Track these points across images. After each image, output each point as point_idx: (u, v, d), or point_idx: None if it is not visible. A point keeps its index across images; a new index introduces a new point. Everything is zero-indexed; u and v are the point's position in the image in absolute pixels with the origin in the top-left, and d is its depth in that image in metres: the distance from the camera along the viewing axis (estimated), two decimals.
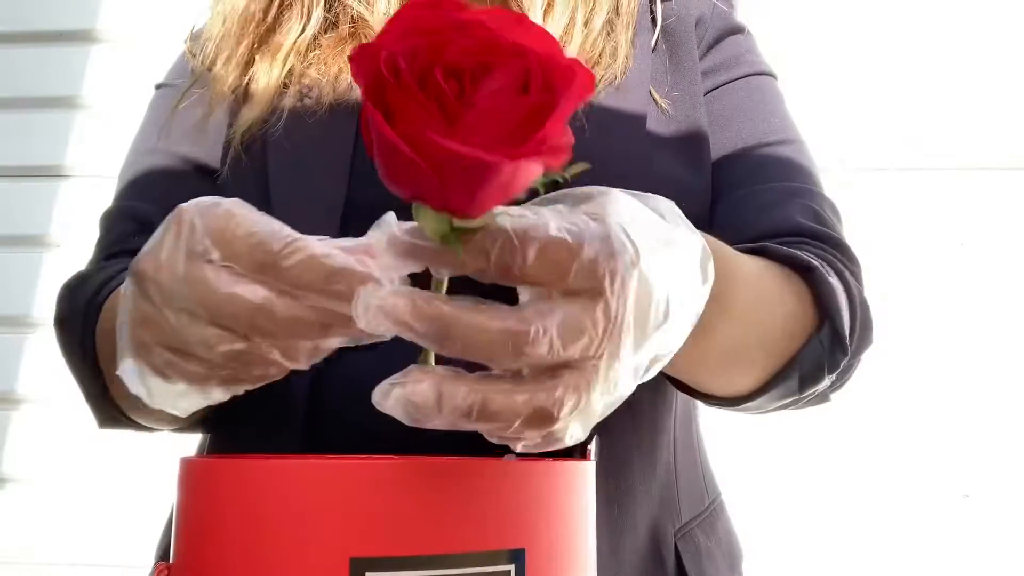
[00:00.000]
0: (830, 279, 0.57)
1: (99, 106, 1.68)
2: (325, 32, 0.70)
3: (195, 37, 0.76)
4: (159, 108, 0.76)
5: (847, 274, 0.61)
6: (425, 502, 0.36)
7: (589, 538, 0.42)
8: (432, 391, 0.34)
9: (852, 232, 0.72)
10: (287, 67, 0.69)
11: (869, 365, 0.64)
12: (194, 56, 0.74)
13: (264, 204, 0.61)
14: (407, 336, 0.34)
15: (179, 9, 1.68)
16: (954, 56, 1.57)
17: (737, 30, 0.75)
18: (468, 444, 0.42)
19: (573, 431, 0.36)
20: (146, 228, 0.67)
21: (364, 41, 0.69)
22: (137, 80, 1.68)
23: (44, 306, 1.66)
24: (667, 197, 0.52)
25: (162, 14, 1.67)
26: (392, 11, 0.70)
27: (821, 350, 0.56)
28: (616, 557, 0.62)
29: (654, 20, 0.72)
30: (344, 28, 0.70)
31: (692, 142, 0.69)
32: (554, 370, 0.35)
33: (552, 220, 0.35)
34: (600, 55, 0.68)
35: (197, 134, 0.71)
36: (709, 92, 0.72)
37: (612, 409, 0.38)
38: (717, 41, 0.74)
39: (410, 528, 0.36)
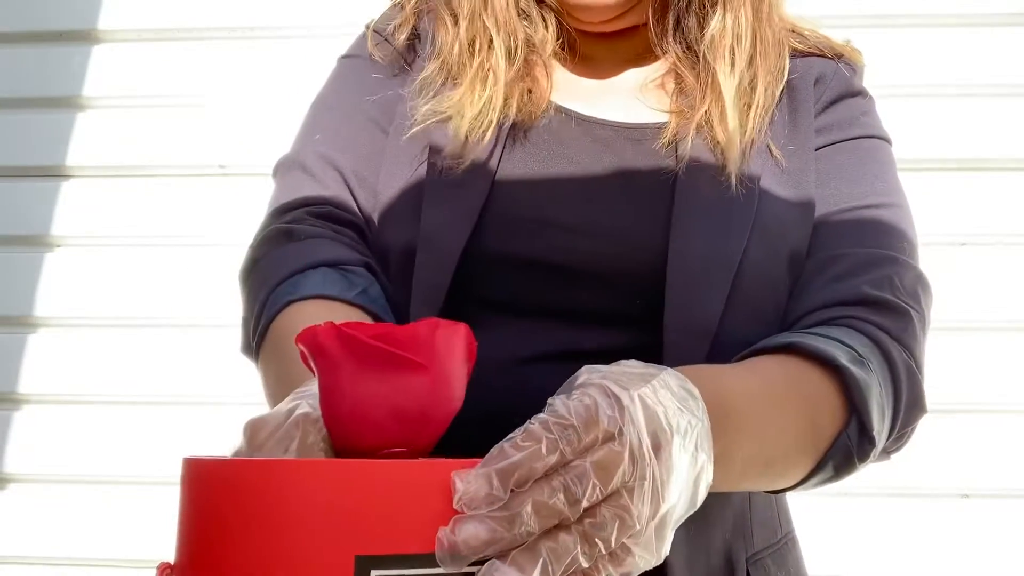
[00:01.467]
0: (859, 373, 0.59)
1: (99, 106, 1.68)
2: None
3: (372, 26, 0.80)
4: (348, 73, 0.79)
5: (893, 350, 0.63)
6: (429, 501, 0.37)
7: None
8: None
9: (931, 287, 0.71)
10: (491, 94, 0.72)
11: None
12: (372, 40, 0.78)
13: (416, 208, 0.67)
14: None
15: (179, 9, 1.68)
16: (954, 56, 1.57)
17: (856, 92, 0.77)
18: (475, 447, 0.45)
19: (640, 558, 0.39)
20: (339, 183, 0.73)
21: (536, 70, 0.75)
22: (137, 80, 1.68)
23: (45, 306, 1.66)
24: (774, 240, 0.68)
25: (162, 14, 1.67)
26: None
27: (849, 444, 0.60)
28: (691, 572, 0.65)
29: (782, 78, 0.74)
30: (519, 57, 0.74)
31: (801, 198, 0.71)
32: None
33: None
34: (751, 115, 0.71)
35: (384, 102, 0.75)
36: (819, 149, 0.73)
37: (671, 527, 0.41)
38: (834, 101, 0.75)
39: (414, 526, 0.37)
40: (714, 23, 0.71)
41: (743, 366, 0.60)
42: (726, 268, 0.65)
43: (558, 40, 0.76)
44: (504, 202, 0.69)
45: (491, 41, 0.73)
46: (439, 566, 0.36)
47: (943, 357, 1.52)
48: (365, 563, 0.36)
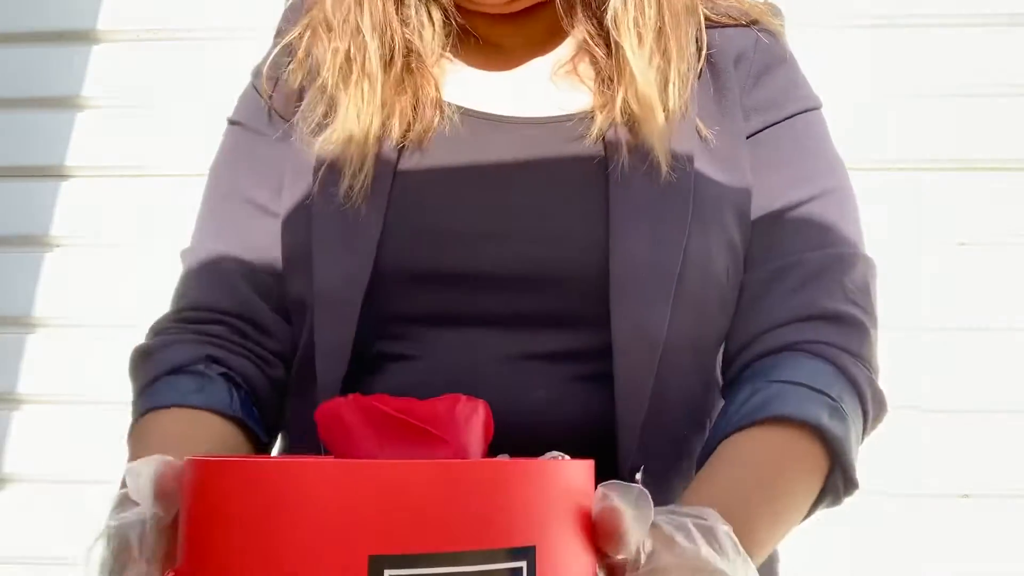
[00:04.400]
0: (839, 429, 0.62)
1: (99, 106, 1.68)
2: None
3: (260, 74, 0.76)
4: (234, 150, 0.77)
5: (859, 376, 0.66)
6: (443, 501, 0.37)
7: (590, 537, 0.43)
8: None
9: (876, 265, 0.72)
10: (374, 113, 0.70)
11: None
12: (264, 93, 0.75)
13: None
14: None
15: (179, 9, 1.68)
16: (954, 56, 1.57)
17: (781, 61, 0.74)
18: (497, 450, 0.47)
19: None
20: (224, 284, 0.73)
21: (418, 78, 0.71)
22: (137, 80, 1.68)
23: (44, 306, 1.66)
24: (712, 231, 0.67)
25: (162, 14, 1.67)
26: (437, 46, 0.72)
27: (837, 490, 0.65)
28: None
29: (699, 49, 0.71)
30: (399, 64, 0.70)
31: (733, 182, 0.70)
32: None
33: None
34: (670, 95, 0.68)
35: (274, 182, 0.73)
36: (754, 134, 0.72)
37: None
38: (761, 75, 0.73)
39: (428, 526, 0.37)
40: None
41: (723, 465, 0.61)
42: (669, 266, 0.65)
43: (449, 36, 0.72)
44: (408, 221, 0.67)
45: (366, 53, 0.69)
46: (451, 565, 0.37)
47: (943, 357, 1.52)
48: (378, 563, 0.36)
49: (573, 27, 0.71)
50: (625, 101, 0.67)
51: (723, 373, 0.72)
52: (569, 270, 0.65)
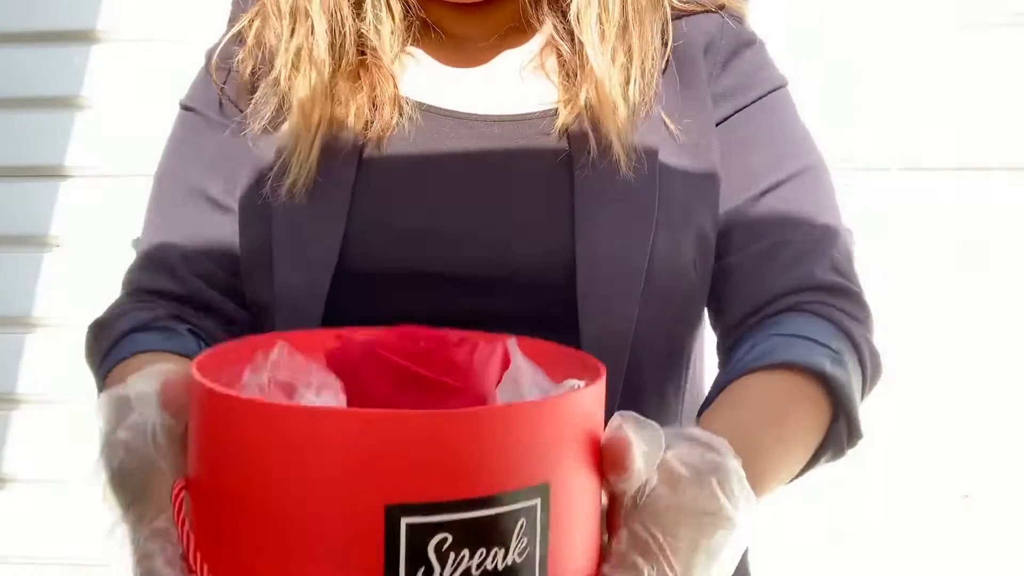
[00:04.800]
0: (841, 375, 0.61)
1: (99, 106, 1.68)
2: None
3: (214, 61, 0.75)
4: (184, 136, 0.76)
5: (856, 333, 0.66)
6: (457, 449, 0.37)
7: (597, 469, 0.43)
8: None
9: (853, 233, 0.73)
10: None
11: None
12: (215, 80, 0.74)
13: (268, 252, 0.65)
14: None
15: (179, 9, 1.68)
16: (954, 56, 1.57)
17: (747, 44, 0.74)
18: None
19: None
20: (170, 270, 0.71)
21: (375, 73, 0.69)
22: (137, 80, 1.68)
23: (44, 306, 1.66)
24: (679, 225, 0.66)
25: (162, 14, 1.67)
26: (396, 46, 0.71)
27: (840, 439, 0.63)
28: None
29: (664, 42, 0.71)
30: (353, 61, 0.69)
31: (702, 173, 0.69)
32: None
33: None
34: (635, 90, 0.68)
35: (223, 171, 0.72)
36: (725, 120, 0.71)
37: None
38: (728, 60, 0.72)
39: (443, 474, 0.36)
40: None
41: (731, 401, 0.61)
42: (637, 264, 0.64)
43: (409, 29, 0.71)
44: (370, 222, 0.66)
45: (314, 42, 0.67)
46: (468, 511, 0.37)
47: (943, 357, 1.52)
48: (395, 512, 0.36)
49: (539, 20, 0.70)
50: (588, 98, 0.66)
51: (720, 349, 0.71)
52: (535, 271, 0.65)
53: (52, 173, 1.68)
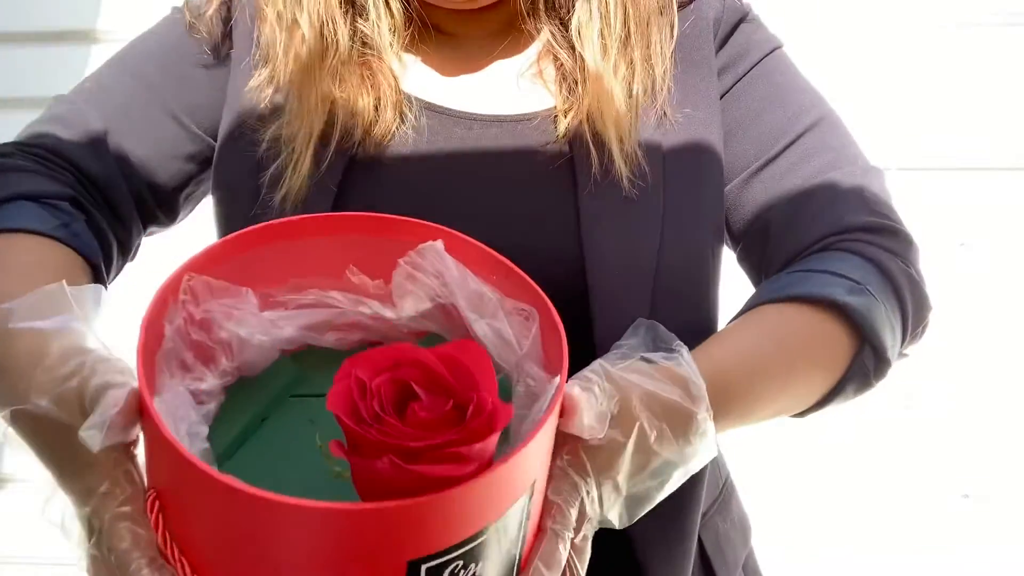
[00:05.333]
0: (859, 302, 0.61)
1: None
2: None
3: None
4: (166, 37, 0.73)
5: (891, 265, 0.65)
6: (464, 511, 0.39)
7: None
8: None
9: (883, 172, 0.73)
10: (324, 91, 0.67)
11: None
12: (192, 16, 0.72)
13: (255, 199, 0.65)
14: None
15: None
16: (954, 56, 1.57)
17: (741, 19, 0.74)
18: None
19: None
20: (94, 143, 0.67)
21: (377, 73, 0.69)
22: None
23: None
24: (689, 214, 0.68)
25: (162, 14, 1.67)
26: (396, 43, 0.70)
27: (866, 369, 0.63)
28: (650, 547, 0.65)
29: (671, 27, 0.70)
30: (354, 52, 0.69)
31: (705, 156, 0.69)
32: None
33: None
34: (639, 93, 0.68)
35: (199, 104, 0.71)
36: (728, 91, 0.72)
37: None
38: (728, 36, 0.73)
39: (453, 528, 0.39)
40: (578, 7, 0.66)
41: (739, 327, 0.62)
42: (646, 265, 0.64)
43: (408, 28, 0.70)
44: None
45: (305, 47, 0.66)
46: (474, 540, 0.40)
47: (942, 357, 1.52)
48: (416, 563, 0.39)
49: (535, 24, 0.70)
50: (592, 110, 0.66)
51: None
52: (544, 278, 0.64)
53: None
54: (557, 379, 0.44)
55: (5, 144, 0.67)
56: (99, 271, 0.62)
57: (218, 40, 0.72)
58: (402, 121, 0.68)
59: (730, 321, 0.64)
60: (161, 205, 0.73)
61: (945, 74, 1.57)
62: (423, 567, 0.39)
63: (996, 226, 1.55)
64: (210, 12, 0.71)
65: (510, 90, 0.70)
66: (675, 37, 0.70)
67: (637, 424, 0.47)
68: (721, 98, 0.71)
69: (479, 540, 0.40)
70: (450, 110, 0.69)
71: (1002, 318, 1.53)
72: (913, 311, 0.66)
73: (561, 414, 0.45)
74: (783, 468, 1.49)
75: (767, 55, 0.73)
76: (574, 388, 0.46)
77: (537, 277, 0.64)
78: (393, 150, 0.67)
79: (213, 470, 0.38)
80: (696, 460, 0.50)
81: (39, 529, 1.68)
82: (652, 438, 0.48)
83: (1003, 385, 1.52)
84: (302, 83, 0.67)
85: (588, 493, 0.47)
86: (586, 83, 0.67)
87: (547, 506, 0.46)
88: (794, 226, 0.68)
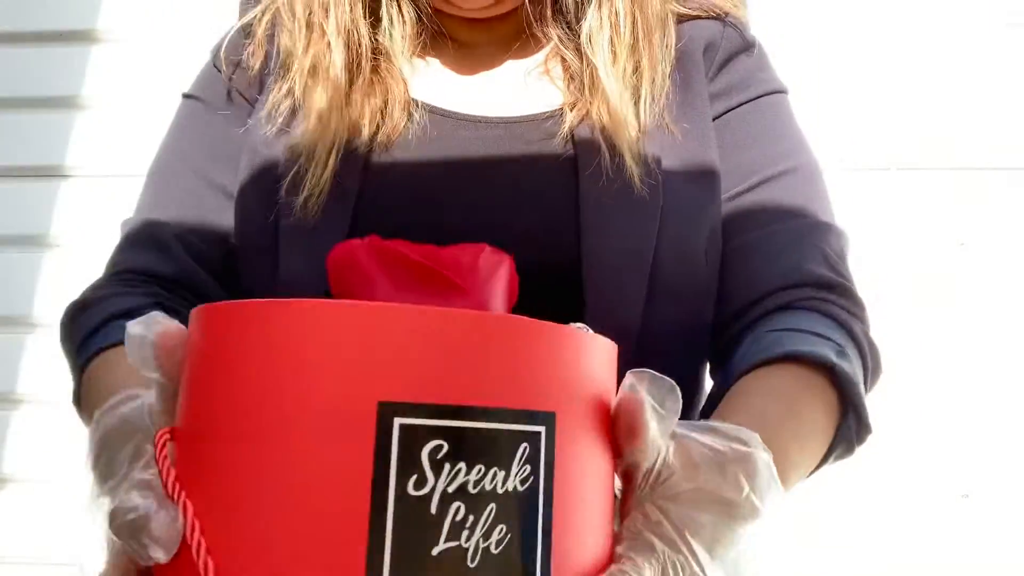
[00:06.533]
0: (848, 368, 0.61)
1: (99, 106, 1.68)
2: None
3: (219, 53, 0.76)
4: (188, 122, 0.76)
5: (856, 328, 0.66)
6: (459, 352, 0.35)
7: (609, 415, 0.40)
8: None
9: (852, 232, 0.73)
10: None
11: None
12: (223, 72, 0.74)
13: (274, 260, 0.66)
14: None
15: (179, 9, 1.68)
16: (954, 56, 1.57)
17: (746, 48, 0.74)
18: None
19: None
20: (162, 249, 0.70)
21: (387, 78, 0.70)
22: (137, 80, 1.68)
23: (44, 306, 1.66)
24: (686, 217, 0.67)
25: (162, 14, 1.67)
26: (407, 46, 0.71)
27: (850, 436, 0.62)
28: None
29: (667, 46, 0.71)
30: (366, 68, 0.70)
31: (704, 167, 0.70)
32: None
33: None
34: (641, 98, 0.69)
35: (226, 158, 0.72)
36: (719, 116, 0.72)
37: None
38: (726, 62, 0.73)
39: (442, 377, 0.34)
40: (590, 15, 0.68)
41: (746, 391, 0.60)
42: (641, 265, 0.65)
43: (420, 36, 0.72)
44: (377, 222, 0.65)
45: (331, 60, 0.68)
46: (464, 419, 0.34)
47: (942, 357, 1.52)
48: (388, 410, 0.33)
49: (544, 34, 0.71)
50: (599, 113, 0.67)
51: (713, 344, 0.71)
52: (542, 270, 0.64)
53: (52, 173, 1.68)
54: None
55: (99, 279, 0.73)
56: None
57: (255, 79, 0.73)
58: (409, 122, 0.69)
59: (718, 383, 0.64)
60: None
61: (945, 74, 1.57)
62: (397, 421, 0.33)
63: (996, 226, 1.55)
64: (252, 50, 0.73)
65: (518, 93, 0.71)
66: (672, 48, 0.71)
67: (700, 464, 0.41)
68: (717, 119, 0.72)
69: (468, 424, 0.34)
70: (456, 113, 0.70)
71: (1002, 318, 1.53)
72: (871, 378, 0.66)
73: (620, 425, 0.39)
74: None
75: (766, 94, 0.74)
76: (634, 388, 0.40)
77: (535, 266, 0.64)
78: (402, 153, 0.68)
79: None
80: (768, 502, 0.43)
81: (39, 529, 1.69)
82: (721, 483, 0.41)
83: (1003, 385, 1.52)
84: (325, 92, 0.67)
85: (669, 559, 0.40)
86: (595, 87, 0.68)
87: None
88: (751, 265, 0.69)
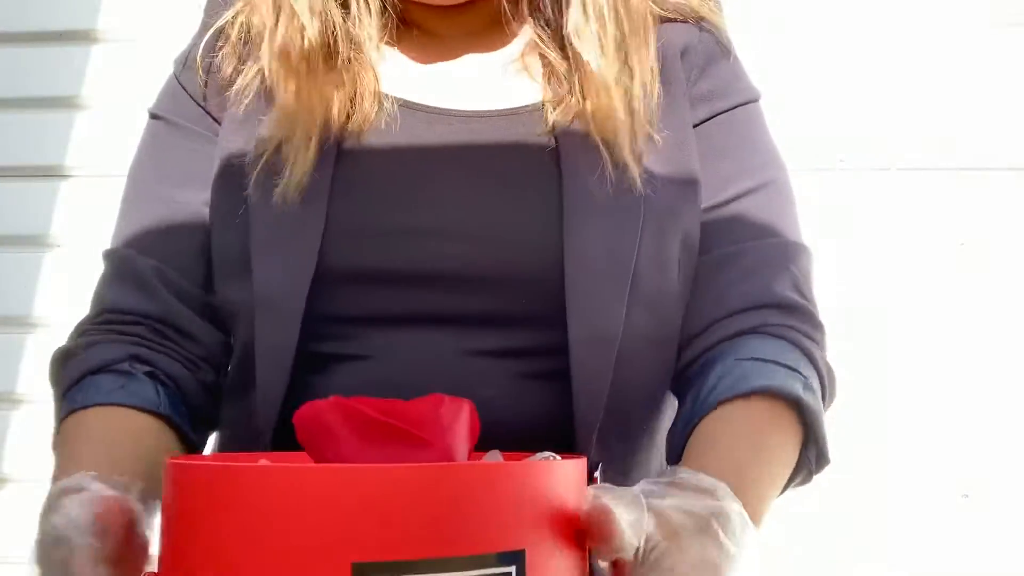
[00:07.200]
0: (812, 402, 0.63)
1: (99, 106, 1.68)
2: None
3: (184, 66, 0.75)
4: (154, 146, 0.76)
5: (816, 355, 0.67)
6: (428, 506, 0.36)
7: (583, 536, 0.42)
8: None
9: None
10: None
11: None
12: (198, 79, 0.73)
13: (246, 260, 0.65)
14: None
15: (179, 9, 1.68)
16: (955, 56, 1.57)
17: (723, 55, 0.74)
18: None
19: None
20: (143, 287, 0.70)
21: (357, 68, 0.69)
22: (137, 80, 1.68)
23: (44, 306, 1.66)
24: (665, 224, 0.67)
25: (162, 14, 1.67)
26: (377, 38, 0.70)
27: (810, 466, 0.65)
28: None
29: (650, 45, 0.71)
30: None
31: (684, 174, 0.70)
32: None
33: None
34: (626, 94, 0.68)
35: (194, 179, 0.72)
36: (701, 123, 0.72)
37: None
38: (705, 68, 0.73)
39: (412, 532, 0.36)
40: (573, 10, 0.67)
41: (714, 433, 0.62)
42: (624, 266, 0.64)
43: (387, 27, 0.71)
44: (351, 219, 0.65)
45: (304, 40, 0.66)
46: (437, 572, 0.36)
47: (943, 357, 1.52)
48: (362, 571, 0.35)
49: (518, 23, 0.70)
50: (588, 109, 0.66)
51: (678, 368, 0.71)
52: (523, 269, 0.65)
53: (52, 173, 1.68)
54: (547, 453, 0.45)
55: (80, 322, 0.73)
56: (159, 413, 0.66)
57: (226, 84, 0.72)
58: (380, 113, 0.68)
59: (686, 416, 0.65)
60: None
61: (945, 74, 1.57)
62: None
63: (996, 226, 1.55)
64: (227, 54, 0.72)
65: (493, 86, 0.71)
66: (656, 51, 0.71)
67: (680, 532, 0.44)
68: (694, 127, 0.72)
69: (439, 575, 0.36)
70: (428, 107, 0.69)
71: (1002, 318, 1.53)
72: (827, 404, 0.68)
73: (594, 536, 0.42)
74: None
75: (743, 104, 0.74)
76: (598, 499, 0.42)
77: (515, 268, 0.64)
78: (375, 143, 0.67)
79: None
80: (746, 546, 0.47)
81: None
82: (705, 543, 0.44)
83: (1003, 385, 1.52)
84: (298, 75, 0.66)
85: None
86: (585, 83, 0.67)
87: None
88: (718, 280, 0.69)
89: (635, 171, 0.66)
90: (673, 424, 0.67)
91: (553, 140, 0.67)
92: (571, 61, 0.68)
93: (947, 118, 1.55)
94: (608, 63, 0.67)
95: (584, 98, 0.67)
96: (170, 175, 0.73)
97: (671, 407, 0.71)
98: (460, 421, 0.45)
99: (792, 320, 0.68)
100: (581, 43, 0.67)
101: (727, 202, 0.71)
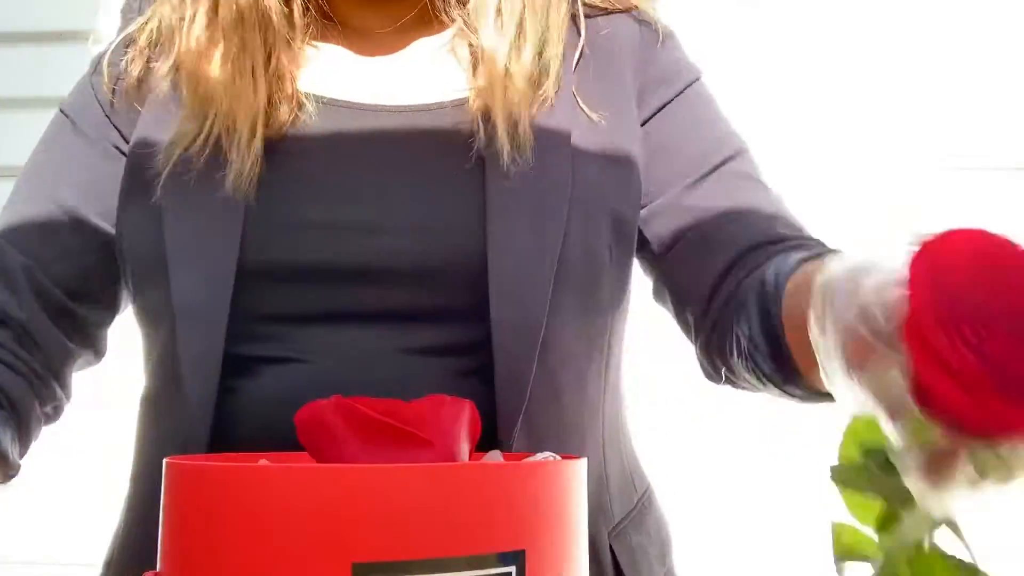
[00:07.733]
0: None
1: None
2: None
3: (98, 69, 0.75)
4: (56, 142, 0.75)
5: None
6: (428, 506, 0.37)
7: (583, 536, 0.43)
8: None
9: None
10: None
11: None
12: (104, 85, 0.73)
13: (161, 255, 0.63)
14: None
15: None
16: (956, 56, 1.57)
17: (664, 38, 0.75)
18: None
19: None
20: (11, 285, 0.68)
21: (275, 64, 0.68)
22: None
23: None
24: (593, 209, 0.66)
25: None
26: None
27: None
28: None
29: (578, 32, 0.71)
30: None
31: (619, 158, 0.69)
32: None
33: None
34: (540, 75, 0.68)
35: (89, 186, 0.71)
36: (653, 115, 0.72)
37: None
38: (649, 56, 0.73)
39: (413, 532, 0.36)
40: None
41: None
42: (549, 255, 0.64)
43: (308, 24, 0.70)
44: (271, 217, 0.64)
45: (217, 24, 0.65)
46: (437, 572, 0.36)
47: None
48: (362, 570, 0.35)
49: (447, 15, 0.70)
50: (492, 87, 0.66)
51: (700, 317, 0.70)
52: (449, 261, 0.64)
53: None
54: (546, 454, 0.45)
55: None
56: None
57: (135, 87, 0.71)
58: (300, 112, 0.67)
59: (779, 280, 0.63)
60: (98, 304, 0.73)
61: (945, 75, 1.57)
62: None
63: (995, 226, 1.54)
64: (132, 58, 0.72)
65: (421, 80, 0.70)
66: (583, 34, 0.71)
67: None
68: (650, 119, 0.72)
69: (439, 575, 0.36)
70: (352, 103, 0.68)
71: None
72: None
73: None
74: (776, 468, 1.49)
75: (690, 84, 0.74)
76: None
77: (441, 261, 0.63)
78: (297, 141, 0.67)
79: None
80: None
81: (40, 529, 1.69)
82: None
83: None
84: (222, 61, 0.65)
85: None
86: (487, 60, 0.67)
87: None
88: (721, 234, 0.69)
89: (554, 144, 0.65)
90: (748, 315, 0.64)
91: (480, 132, 0.66)
92: (479, 41, 0.68)
93: (947, 118, 1.56)
94: (505, 36, 0.66)
95: (487, 72, 0.66)
96: (63, 177, 0.72)
97: (598, 387, 0.70)
98: (460, 422, 0.45)
99: (813, 240, 0.68)
100: (479, 17, 0.67)
101: (707, 174, 0.71)
